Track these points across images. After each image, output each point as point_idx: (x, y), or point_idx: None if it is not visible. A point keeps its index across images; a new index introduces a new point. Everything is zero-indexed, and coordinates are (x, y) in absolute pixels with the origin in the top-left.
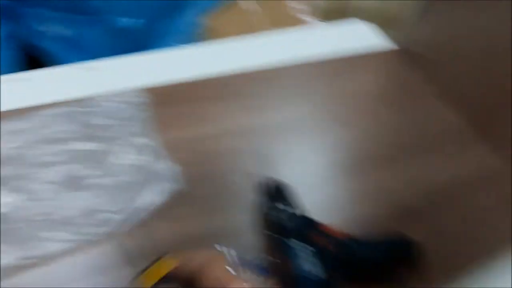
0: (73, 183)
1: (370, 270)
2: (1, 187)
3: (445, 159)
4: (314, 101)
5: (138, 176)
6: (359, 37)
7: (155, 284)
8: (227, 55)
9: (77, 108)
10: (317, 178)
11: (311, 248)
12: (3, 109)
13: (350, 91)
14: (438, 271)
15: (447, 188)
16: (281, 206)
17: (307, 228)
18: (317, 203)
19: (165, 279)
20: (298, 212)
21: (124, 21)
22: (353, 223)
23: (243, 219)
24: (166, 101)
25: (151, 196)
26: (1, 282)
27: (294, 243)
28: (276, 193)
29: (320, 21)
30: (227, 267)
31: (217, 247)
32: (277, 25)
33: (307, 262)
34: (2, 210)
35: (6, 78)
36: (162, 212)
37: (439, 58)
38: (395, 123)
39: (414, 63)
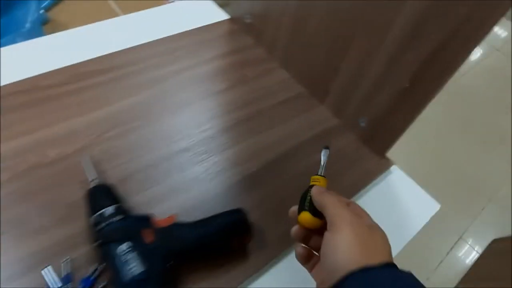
0: None
1: (204, 246)
2: None
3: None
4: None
5: None
6: (199, 12)
7: None
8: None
9: None
10: (160, 165)
11: (136, 247)
12: None
13: (195, 63)
14: (272, 234)
15: (291, 151)
16: (108, 212)
17: (139, 226)
18: (163, 191)
19: None
20: (128, 213)
21: None
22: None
23: (80, 230)
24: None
25: None
26: None
27: (119, 248)
28: (103, 197)
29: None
30: None
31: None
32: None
33: (129, 263)
34: None
35: None
36: None
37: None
38: (240, 92)
39: (246, 31)
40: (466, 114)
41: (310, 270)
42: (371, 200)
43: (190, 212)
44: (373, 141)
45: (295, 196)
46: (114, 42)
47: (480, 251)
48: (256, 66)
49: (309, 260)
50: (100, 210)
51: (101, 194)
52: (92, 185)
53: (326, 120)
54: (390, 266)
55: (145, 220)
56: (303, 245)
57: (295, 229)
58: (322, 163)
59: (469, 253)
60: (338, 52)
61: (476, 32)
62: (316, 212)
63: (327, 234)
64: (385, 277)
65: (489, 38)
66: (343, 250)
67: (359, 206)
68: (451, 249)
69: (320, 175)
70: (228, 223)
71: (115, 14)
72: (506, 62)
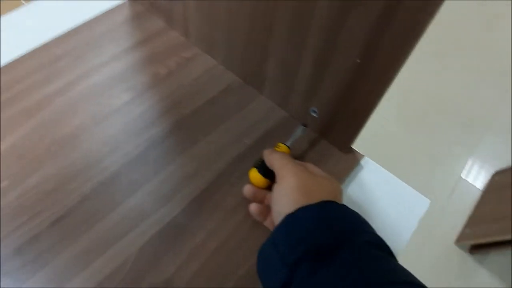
0: None
1: None
2: None
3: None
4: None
5: None
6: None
7: None
8: None
9: None
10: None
11: None
12: None
13: (87, 69)
14: None
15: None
16: None
17: None
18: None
19: None
20: None
21: None
22: None
23: None
24: None
25: None
26: None
27: None
28: None
29: None
30: None
31: None
32: None
33: None
34: None
35: None
36: None
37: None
38: (157, 97)
39: (154, 11)
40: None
41: (263, 221)
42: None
43: None
44: (332, 134)
45: None
46: None
47: (482, 187)
48: (172, 57)
49: (263, 214)
50: None
51: None
52: None
53: (271, 113)
54: (325, 202)
55: None
56: (255, 203)
57: (246, 187)
58: (293, 136)
59: (472, 192)
60: (260, 27)
61: None
62: (267, 173)
63: (275, 186)
64: (313, 211)
65: None
66: (287, 195)
67: (314, 165)
68: (453, 190)
69: (284, 144)
70: None
71: None
72: None
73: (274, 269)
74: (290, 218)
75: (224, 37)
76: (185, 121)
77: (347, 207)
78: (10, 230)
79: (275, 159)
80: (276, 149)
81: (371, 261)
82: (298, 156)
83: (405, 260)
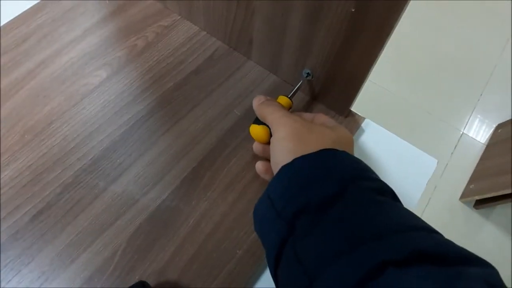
0: None
1: None
2: None
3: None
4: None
5: None
6: None
7: None
8: None
9: None
10: None
11: None
12: None
13: (58, 48)
14: None
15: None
16: None
17: None
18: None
19: None
20: None
21: None
22: None
23: None
24: None
25: None
26: None
27: None
28: None
29: None
30: None
31: None
32: None
33: None
34: None
35: None
36: None
37: None
38: (136, 72)
39: None
40: None
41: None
42: None
43: None
44: (329, 97)
45: None
46: None
47: (485, 141)
48: (149, 26)
49: (269, 171)
50: None
51: None
52: None
53: (262, 78)
54: (322, 151)
55: None
56: (261, 161)
57: (254, 144)
58: (295, 87)
59: (475, 147)
60: None
61: None
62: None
63: (271, 140)
64: (310, 160)
65: None
66: (281, 148)
67: (324, 116)
68: (455, 146)
69: (286, 96)
70: None
71: None
72: None
73: (271, 225)
74: (285, 169)
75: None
76: (168, 96)
77: (347, 153)
78: None
79: (266, 113)
80: (278, 101)
81: (376, 208)
82: None
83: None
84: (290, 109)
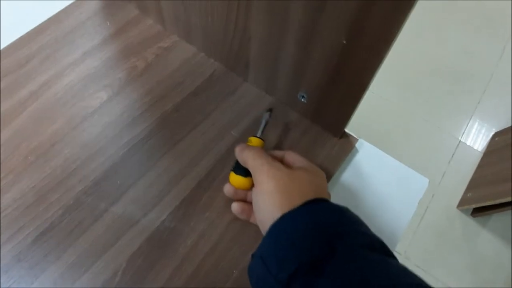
0: None
1: None
2: None
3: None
4: None
5: None
6: None
7: None
8: None
9: None
10: None
11: None
12: None
13: (56, 72)
14: None
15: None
16: None
17: None
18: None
19: None
20: None
21: None
22: None
23: None
24: None
25: None
26: None
27: None
28: None
29: None
30: None
31: None
32: None
33: None
34: None
35: None
36: None
37: None
38: (134, 94)
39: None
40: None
41: (248, 219)
42: (343, 190)
43: None
44: (324, 119)
45: None
46: None
47: (482, 149)
48: (149, 48)
49: (246, 213)
50: None
51: None
52: None
53: (258, 100)
54: (307, 204)
55: None
56: (236, 202)
57: (226, 186)
58: (261, 124)
59: (472, 155)
60: (237, 6)
61: None
62: (247, 171)
63: (253, 191)
64: (298, 216)
65: None
66: (267, 202)
67: (293, 153)
68: (452, 155)
69: (256, 137)
70: None
71: None
72: None
73: (268, 287)
74: (275, 229)
75: (200, 21)
76: (167, 118)
77: (332, 204)
78: None
79: (248, 159)
80: (248, 144)
81: (369, 267)
82: (290, 145)
83: (407, 227)
84: (262, 147)
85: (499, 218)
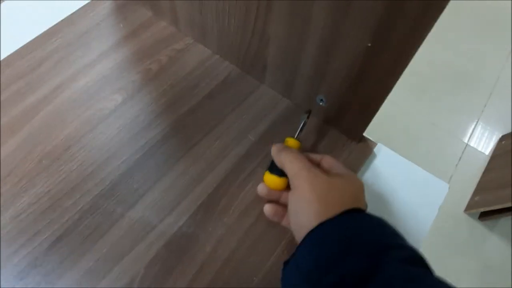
0: None
1: None
2: None
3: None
4: None
5: None
6: None
7: None
8: None
9: None
10: None
11: None
12: None
13: (71, 74)
14: None
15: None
16: None
17: None
18: None
19: None
20: None
21: None
22: None
23: None
24: None
25: None
26: None
27: None
28: None
29: None
30: None
31: None
32: None
33: None
34: None
35: None
36: None
37: None
38: (148, 97)
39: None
40: None
41: (280, 221)
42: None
43: None
44: (342, 123)
45: None
46: None
47: (489, 152)
48: (163, 50)
49: (279, 215)
50: None
51: None
52: None
53: (275, 103)
54: (346, 214)
55: None
56: (269, 204)
57: (260, 186)
58: (299, 126)
59: (479, 158)
60: (256, 7)
61: None
62: (283, 171)
63: (289, 195)
64: (336, 226)
65: None
66: (303, 210)
67: (331, 159)
68: (459, 159)
69: (293, 138)
70: None
71: None
72: None
73: None
74: (313, 238)
75: (216, 23)
76: (183, 121)
77: (370, 216)
78: (7, 255)
79: (286, 162)
80: (285, 144)
81: (413, 283)
82: (307, 150)
83: None
84: (299, 148)
85: (507, 222)
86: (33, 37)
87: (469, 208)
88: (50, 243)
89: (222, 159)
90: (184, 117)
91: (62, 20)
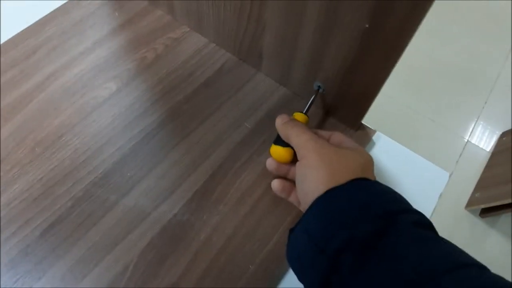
0: None
1: None
2: None
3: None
4: None
5: None
6: None
7: None
8: None
9: None
10: None
11: None
12: None
13: (66, 61)
14: None
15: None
16: None
17: None
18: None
19: None
20: None
21: None
22: None
23: None
24: None
25: None
26: None
27: None
28: None
29: None
30: None
31: None
32: None
33: None
34: None
35: None
36: None
37: None
38: (144, 85)
39: None
40: None
41: (287, 197)
42: None
43: None
44: (340, 111)
45: None
46: None
47: (490, 149)
48: (158, 38)
49: (287, 190)
50: None
51: None
52: None
53: (272, 91)
54: (355, 181)
55: None
56: (277, 179)
57: (268, 160)
58: (309, 101)
59: (479, 155)
60: None
61: None
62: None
63: (297, 165)
64: (345, 191)
65: None
66: (310, 177)
67: (341, 135)
68: (460, 155)
69: (301, 112)
70: None
71: None
72: None
73: (310, 261)
74: (321, 202)
75: (212, 11)
76: (178, 109)
77: (379, 183)
78: None
79: (292, 135)
80: (295, 118)
81: (422, 245)
82: None
83: None
84: (306, 124)
85: (508, 219)
86: (28, 25)
87: (469, 204)
88: (42, 231)
89: (217, 147)
90: (180, 105)
91: (56, 9)
